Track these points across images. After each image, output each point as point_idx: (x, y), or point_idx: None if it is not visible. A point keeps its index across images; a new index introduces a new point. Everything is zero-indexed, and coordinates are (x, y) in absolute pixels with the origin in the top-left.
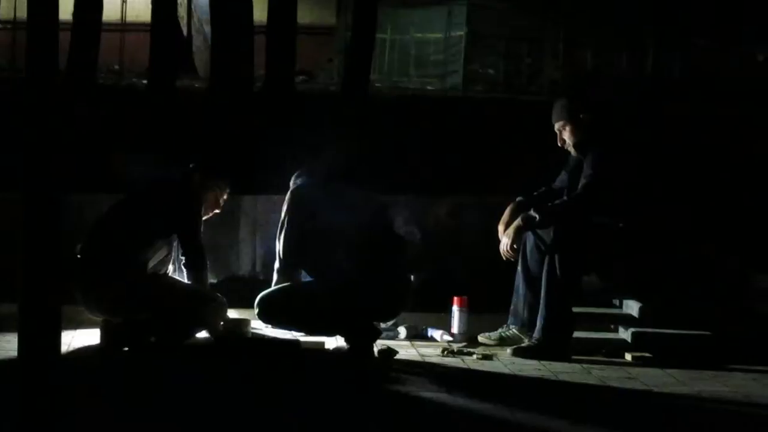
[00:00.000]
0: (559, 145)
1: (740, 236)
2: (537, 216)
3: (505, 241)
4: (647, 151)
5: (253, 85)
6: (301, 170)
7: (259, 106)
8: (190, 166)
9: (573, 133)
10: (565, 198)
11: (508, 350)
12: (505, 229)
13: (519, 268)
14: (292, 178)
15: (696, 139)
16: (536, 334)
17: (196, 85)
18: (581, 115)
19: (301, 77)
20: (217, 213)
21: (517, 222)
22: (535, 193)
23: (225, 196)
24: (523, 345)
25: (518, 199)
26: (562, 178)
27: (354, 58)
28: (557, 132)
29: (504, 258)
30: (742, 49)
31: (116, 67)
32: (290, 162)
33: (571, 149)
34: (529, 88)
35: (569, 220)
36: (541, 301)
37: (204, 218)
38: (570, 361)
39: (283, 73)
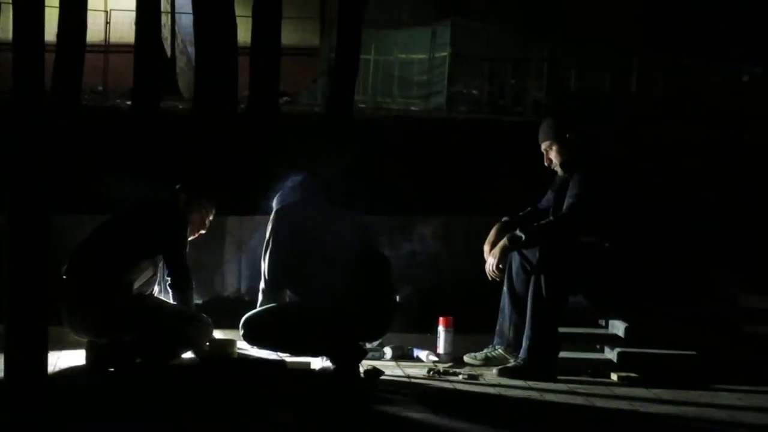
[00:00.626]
0: (545, 164)
1: (727, 256)
2: (523, 236)
3: (490, 262)
4: (633, 169)
5: (237, 106)
6: (285, 190)
7: (243, 126)
8: (176, 186)
9: (559, 152)
10: (551, 218)
11: (494, 370)
12: (491, 249)
13: (505, 288)
14: (275, 198)
15: (682, 157)
16: (522, 354)
17: (180, 106)
18: (567, 135)
19: (284, 98)
20: (202, 233)
21: (503, 242)
22: (521, 213)
23: (211, 217)
24: (508, 365)
25: (504, 219)
26: (548, 197)
27: (338, 79)
28: (544, 152)
29: (490, 278)
30: (727, 70)
31: (100, 88)
32: (274, 182)
33: (558, 169)
34: (513, 109)
35: (555, 240)
36: (527, 322)
37: (189, 239)
38: (556, 381)
39: (267, 93)
